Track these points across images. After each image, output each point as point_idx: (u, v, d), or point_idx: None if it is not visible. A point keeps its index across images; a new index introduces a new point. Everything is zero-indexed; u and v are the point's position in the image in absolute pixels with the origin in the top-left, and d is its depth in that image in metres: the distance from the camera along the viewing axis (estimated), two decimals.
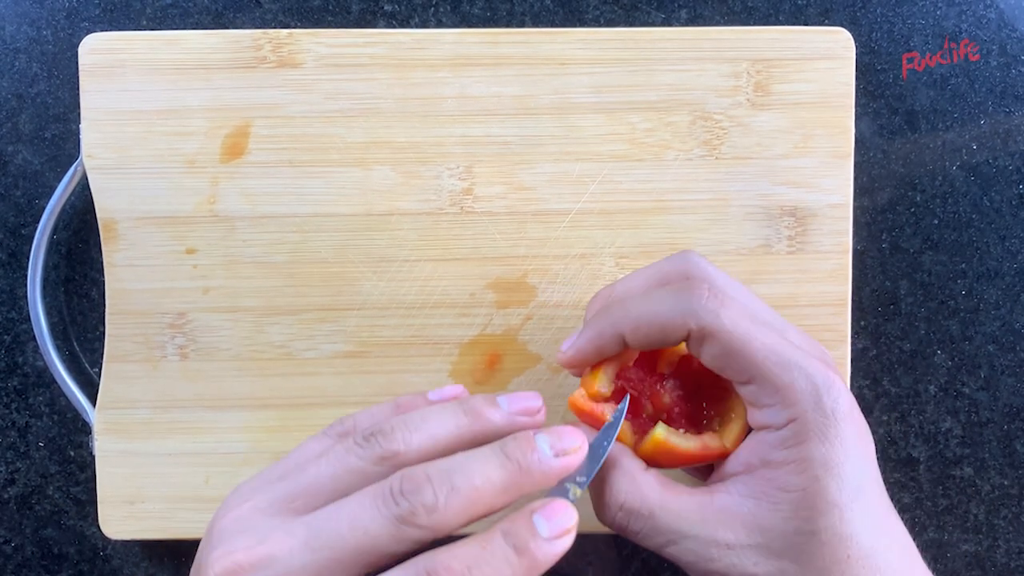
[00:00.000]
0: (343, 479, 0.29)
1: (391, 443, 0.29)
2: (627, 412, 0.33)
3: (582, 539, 0.45)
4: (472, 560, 0.26)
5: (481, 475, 0.28)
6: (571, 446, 0.29)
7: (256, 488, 0.30)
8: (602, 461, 0.31)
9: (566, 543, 0.28)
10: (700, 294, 0.32)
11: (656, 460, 0.33)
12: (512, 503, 0.29)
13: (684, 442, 0.33)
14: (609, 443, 0.32)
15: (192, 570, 0.30)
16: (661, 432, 0.33)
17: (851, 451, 0.31)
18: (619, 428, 0.32)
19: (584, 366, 0.35)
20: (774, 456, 0.31)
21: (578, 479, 0.30)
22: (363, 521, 0.27)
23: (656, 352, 0.35)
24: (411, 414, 0.30)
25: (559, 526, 0.28)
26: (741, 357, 0.31)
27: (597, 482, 0.32)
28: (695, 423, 0.35)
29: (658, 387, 0.35)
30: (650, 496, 0.32)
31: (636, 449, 0.34)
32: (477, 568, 0.26)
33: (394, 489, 0.27)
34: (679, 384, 0.36)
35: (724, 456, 0.33)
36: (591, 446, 0.31)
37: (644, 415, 0.35)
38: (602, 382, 0.34)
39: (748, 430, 0.33)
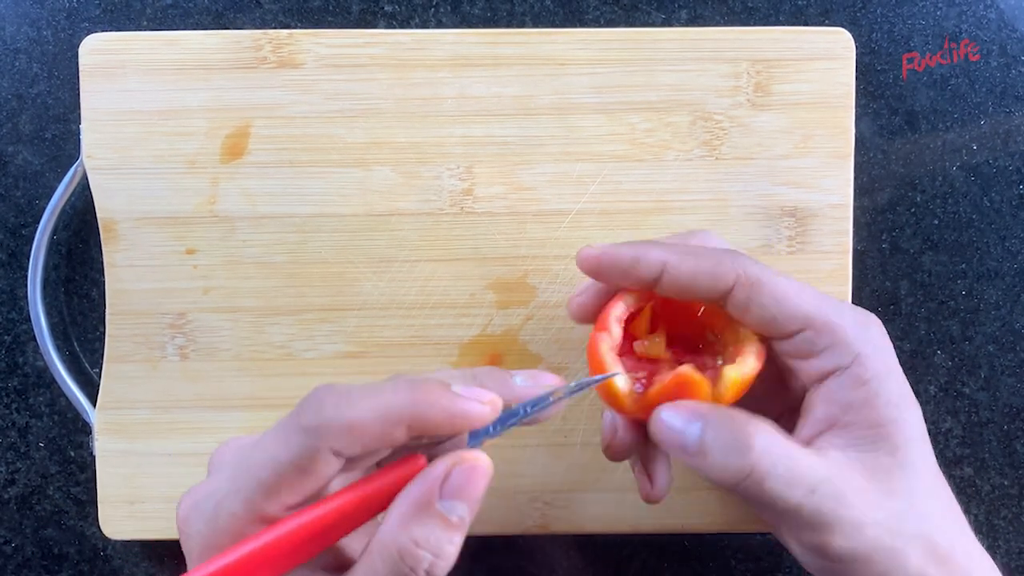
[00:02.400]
0: None
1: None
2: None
3: (582, 539, 0.45)
4: None
5: (386, 388, 0.27)
6: (484, 397, 0.28)
7: None
8: (519, 420, 0.30)
9: None
10: (743, 255, 0.32)
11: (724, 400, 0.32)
12: (416, 432, 0.27)
13: (749, 367, 0.32)
14: (538, 407, 0.30)
15: None
16: (734, 374, 0.31)
17: (905, 381, 0.32)
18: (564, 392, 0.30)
19: (601, 279, 0.33)
20: (854, 397, 0.31)
21: (491, 430, 0.29)
22: (270, 444, 0.27)
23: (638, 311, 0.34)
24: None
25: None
26: (792, 304, 0.31)
27: (730, 428, 0.30)
28: (699, 354, 0.35)
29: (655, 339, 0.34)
30: (786, 444, 0.30)
31: (708, 396, 0.32)
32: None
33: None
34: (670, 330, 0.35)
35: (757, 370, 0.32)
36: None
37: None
38: (619, 314, 0.32)
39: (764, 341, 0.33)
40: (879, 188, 0.46)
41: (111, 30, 0.44)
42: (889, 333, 0.45)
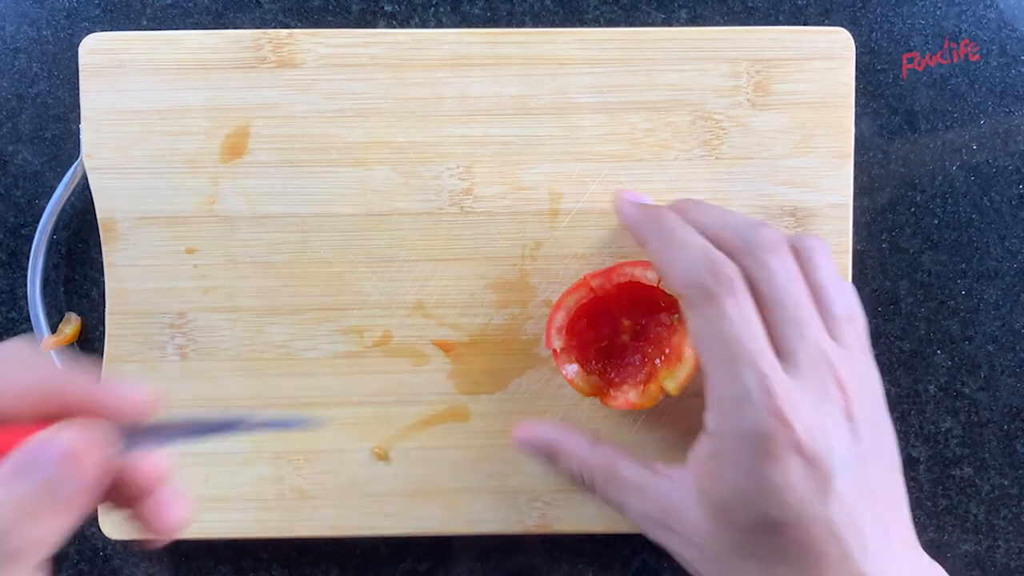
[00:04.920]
0: None
1: None
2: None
3: (582, 539, 0.45)
4: None
5: None
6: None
7: None
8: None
9: None
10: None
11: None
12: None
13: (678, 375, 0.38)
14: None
15: None
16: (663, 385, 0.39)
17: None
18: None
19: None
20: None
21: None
22: None
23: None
24: None
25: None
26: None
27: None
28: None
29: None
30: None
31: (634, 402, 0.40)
32: None
33: None
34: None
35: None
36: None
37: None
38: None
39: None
40: (879, 188, 0.46)
41: (111, 30, 0.44)
42: (889, 333, 0.46)
